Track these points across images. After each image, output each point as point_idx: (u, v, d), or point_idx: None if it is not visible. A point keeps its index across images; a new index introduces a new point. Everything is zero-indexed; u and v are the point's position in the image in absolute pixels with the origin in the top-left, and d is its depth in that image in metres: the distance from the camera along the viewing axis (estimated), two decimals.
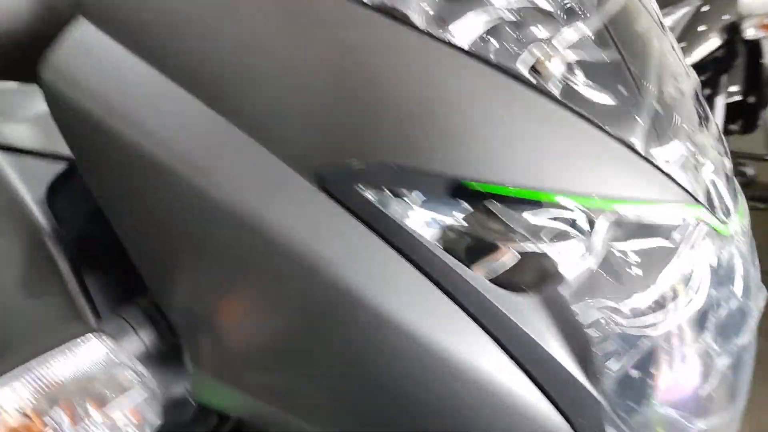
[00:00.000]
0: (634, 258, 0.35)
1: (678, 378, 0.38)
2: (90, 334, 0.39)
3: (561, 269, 0.33)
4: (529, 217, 0.33)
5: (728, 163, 0.45)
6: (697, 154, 0.40)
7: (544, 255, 0.33)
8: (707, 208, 0.38)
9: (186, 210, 0.35)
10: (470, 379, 0.33)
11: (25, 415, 0.35)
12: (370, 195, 0.33)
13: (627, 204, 0.35)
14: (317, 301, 0.34)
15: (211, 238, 0.36)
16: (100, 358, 0.38)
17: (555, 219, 0.34)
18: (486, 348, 0.33)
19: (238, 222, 0.34)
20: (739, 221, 0.42)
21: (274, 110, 0.34)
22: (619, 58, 0.38)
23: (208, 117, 0.34)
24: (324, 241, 0.33)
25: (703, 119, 0.45)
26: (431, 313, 0.33)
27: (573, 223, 0.34)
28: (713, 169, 0.41)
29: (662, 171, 0.36)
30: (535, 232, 0.34)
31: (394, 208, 0.33)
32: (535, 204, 0.34)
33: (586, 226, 0.34)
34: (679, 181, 0.37)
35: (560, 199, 0.34)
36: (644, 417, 0.37)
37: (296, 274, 0.34)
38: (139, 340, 0.41)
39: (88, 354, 0.38)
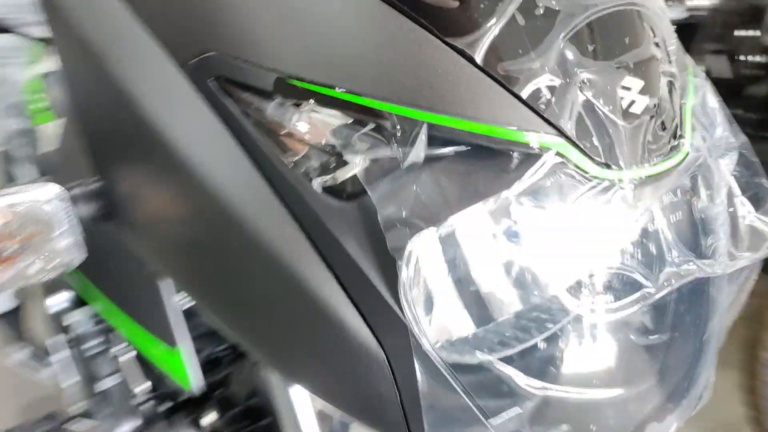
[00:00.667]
0: (457, 177, 0.34)
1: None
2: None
3: (368, 180, 0.34)
4: (343, 120, 0.35)
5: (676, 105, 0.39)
6: (586, 89, 0.35)
7: (356, 164, 0.34)
8: (579, 147, 0.34)
9: (99, 88, 0.42)
10: (286, 279, 0.36)
11: None
12: (212, 84, 0.37)
13: (455, 120, 0.33)
14: (166, 172, 0.40)
15: (116, 116, 0.41)
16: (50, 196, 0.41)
17: (375, 128, 0.34)
18: (302, 249, 0.35)
19: (127, 98, 0.39)
20: (645, 171, 0.36)
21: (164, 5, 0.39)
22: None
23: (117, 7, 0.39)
24: (174, 118, 0.38)
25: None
26: (253, 198, 0.36)
27: (394, 135, 0.34)
28: (617, 107, 0.35)
29: (523, 102, 0.34)
30: (348, 137, 0.34)
31: (236, 96, 0.37)
32: (359, 110, 0.34)
33: (405, 139, 0.34)
34: (544, 115, 0.34)
35: (382, 110, 0.34)
36: (459, 354, 0.35)
37: (154, 147, 0.39)
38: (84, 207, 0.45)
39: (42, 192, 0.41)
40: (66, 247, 0.42)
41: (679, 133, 0.38)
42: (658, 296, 0.36)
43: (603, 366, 0.38)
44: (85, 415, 0.82)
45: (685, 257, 0.37)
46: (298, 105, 0.35)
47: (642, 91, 0.35)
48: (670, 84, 0.38)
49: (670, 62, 0.38)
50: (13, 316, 1.13)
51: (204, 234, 0.40)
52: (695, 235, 0.40)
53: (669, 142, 0.37)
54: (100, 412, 0.78)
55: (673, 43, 0.40)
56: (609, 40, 0.37)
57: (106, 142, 0.44)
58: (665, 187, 0.37)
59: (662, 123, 0.36)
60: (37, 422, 0.93)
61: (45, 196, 0.41)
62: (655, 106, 0.36)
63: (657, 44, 0.38)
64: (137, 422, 0.73)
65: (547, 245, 0.34)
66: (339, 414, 0.50)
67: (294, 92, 0.35)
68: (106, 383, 0.76)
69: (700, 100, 0.40)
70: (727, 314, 0.44)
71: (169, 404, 0.73)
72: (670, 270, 0.36)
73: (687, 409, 0.42)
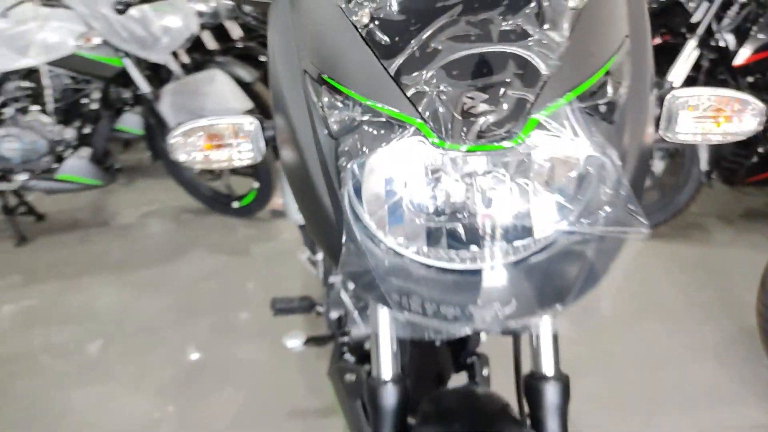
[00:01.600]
0: (374, 131, 0.59)
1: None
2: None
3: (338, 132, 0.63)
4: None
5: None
6: (445, 95, 0.55)
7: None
8: (430, 126, 0.55)
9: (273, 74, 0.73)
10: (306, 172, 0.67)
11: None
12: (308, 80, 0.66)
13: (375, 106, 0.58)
14: (284, 122, 0.69)
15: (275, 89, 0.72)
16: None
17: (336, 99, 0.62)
18: (316, 163, 0.66)
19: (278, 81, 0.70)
20: (487, 150, 0.55)
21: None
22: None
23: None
24: (292, 97, 0.68)
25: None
26: (307, 140, 0.66)
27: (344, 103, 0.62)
28: (465, 107, 0.55)
29: (407, 94, 0.56)
30: (332, 106, 0.62)
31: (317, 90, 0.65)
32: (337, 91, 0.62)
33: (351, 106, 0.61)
34: (414, 102, 0.56)
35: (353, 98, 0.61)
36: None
37: (283, 112, 0.69)
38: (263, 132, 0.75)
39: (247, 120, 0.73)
40: (251, 149, 0.73)
41: (513, 132, 0.54)
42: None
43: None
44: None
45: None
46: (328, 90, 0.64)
47: (483, 101, 0.54)
48: (519, 101, 0.54)
49: (526, 88, 0.55)
50: None
51: (290, 155, 0.69)
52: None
53: (501, 136, 0.54)
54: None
55: (545, 77, 0.56)
56: (469, 68, 0.56)
57: (273, 102, 0.73)
58: (485, 159, 0.56)
59: (497, 123, 0.54)
60: (298, 299, 1.62)
61: (248, 121, 0.72)
62: (490, 111, 0.54)
63: (517, 74, 0.55)
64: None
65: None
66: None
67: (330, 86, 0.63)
68: None
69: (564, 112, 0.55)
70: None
71: None
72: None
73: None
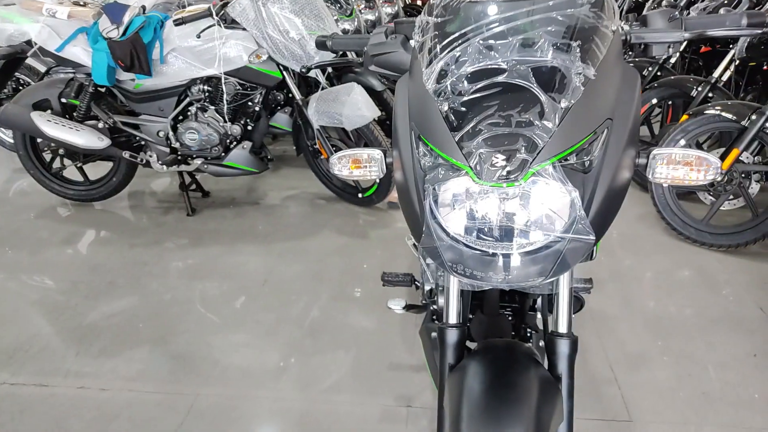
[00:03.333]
0: (444, 170, 0.94)
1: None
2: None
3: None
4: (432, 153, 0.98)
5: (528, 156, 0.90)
6: (488, 153, 0.89)
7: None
8: (473, 171, 0.89)
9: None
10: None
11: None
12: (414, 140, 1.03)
13: (446, 157, 0.94)
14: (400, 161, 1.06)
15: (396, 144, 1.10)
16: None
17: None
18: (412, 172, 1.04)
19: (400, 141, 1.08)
20: (503, 186, 0.90)
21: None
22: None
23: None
24: (404, 150, 1.05)
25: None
26: (410, 172, 1.04)
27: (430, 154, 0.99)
28: (495, 162, 0.89)
29: (462, 152, 0.91)
30: (424, 153, 1.00)
31: (416, 143, 1.02)
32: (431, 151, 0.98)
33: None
34: (466, 157, 0.90)
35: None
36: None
37: (401, 155, 1.07)
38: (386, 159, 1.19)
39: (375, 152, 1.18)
40: (377, 169, 1.17)
41: (518, 177, 0.87)
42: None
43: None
44: None
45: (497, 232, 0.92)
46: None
47: (503, 159, 0.87)
48: (522, 161, 0.87)
49: (528, 154, 0.88)
50: None
51: (400, 176, 1.04)
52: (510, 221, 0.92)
53: (511, 180, 0.88)
54: None
55: (539, 148, 0.89)
56: (497, 142, 0.89)
57: (393, 140, 1.10)
58: (501, 192, 0.90)
59: (510, 172, 0.87)
60: (402, 274, 2.02)
61: (377, 153, 1.16)
62: (506, 165, 0.87)
63: (524, 145, 0.88)
64: None
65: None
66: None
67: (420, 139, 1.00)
68: None
69: (550, 168, 0.90)
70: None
71: None
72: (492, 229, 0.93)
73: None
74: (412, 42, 1.17)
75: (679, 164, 1.01)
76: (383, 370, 2.14)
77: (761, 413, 1.90)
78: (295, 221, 3.42)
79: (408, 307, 1.84)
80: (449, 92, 0.97)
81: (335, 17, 3.60)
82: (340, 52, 3.15)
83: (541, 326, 1.46)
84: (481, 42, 0.98)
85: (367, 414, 1.93)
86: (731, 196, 2.92)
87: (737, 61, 3.14)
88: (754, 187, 2.83)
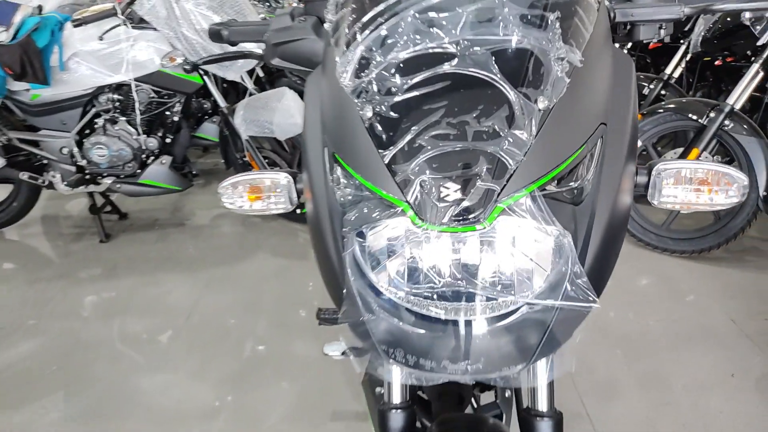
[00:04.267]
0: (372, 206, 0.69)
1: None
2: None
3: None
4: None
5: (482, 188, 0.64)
6: (433, 185, 0.64)
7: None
8: (413, 209, 0.65)
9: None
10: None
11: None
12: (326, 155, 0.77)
13: (373, 188, 0.67)
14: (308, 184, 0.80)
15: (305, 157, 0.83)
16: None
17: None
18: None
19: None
20: (452, 231, 0.64)
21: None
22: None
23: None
24: (314, 168, 0.78)
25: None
26: (322, 198, 0.77)
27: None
28: (443, 196, 0.64)
29: (396, 180, 0.66)
30: (344, 177, 0.73)
31: (331, 164, 0.76)
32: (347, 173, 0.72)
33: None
34: (402, 187, 0.65)
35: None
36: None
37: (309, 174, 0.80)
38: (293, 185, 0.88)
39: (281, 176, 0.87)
40: (284, 200, 0.86)
41: (480, 217, 0.62)
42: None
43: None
44: None
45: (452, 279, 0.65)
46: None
47: (456, 190, 0.62)
48: (486, 192, 0.62)
49: (494, 180, 0.63)
50: None
51: (310, 208, 0.80)
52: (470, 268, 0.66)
53: (470, 221, 0.62)
54: None
55: (510, 171, 0.64)
56: (446, 162, 0.63)
57: (303, 159, 0.84)
58: (456, 238, 0.64)
59: (467, 209, 0.62)
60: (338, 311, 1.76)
61: (283, 177, 0.85)
62: (461, 200, 0.62)
63: (488, 168, 0.63)
64: None
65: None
66: None
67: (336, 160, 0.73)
68: None
69: (527, 201, 0.65)
70: None
71: None
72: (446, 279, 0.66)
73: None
74: (326, 25, 0.87)
75: (692, 183, 0.76)
76: (326, 416, 1.88)
77: None
78: (225, 243, 3.10)
79: (348, 351, 1.56)
80: (374, 91, 0.68)
81: (262, 15, 3.27)
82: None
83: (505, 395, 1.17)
84: (417, 15, 0.70)
85: None
86: None
87: (689, 56, 3.01)
88: None
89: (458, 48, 0.67)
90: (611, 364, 2.06)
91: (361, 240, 0.69)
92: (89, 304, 2.57)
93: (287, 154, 3.08)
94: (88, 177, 2.93)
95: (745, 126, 2.51)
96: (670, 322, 2.28)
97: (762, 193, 2.46)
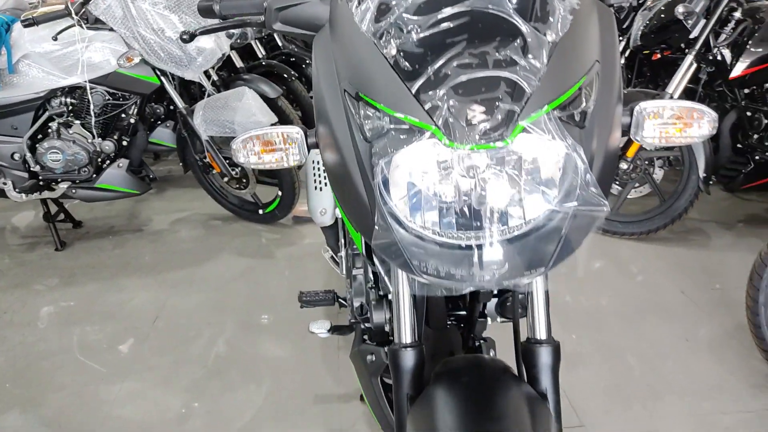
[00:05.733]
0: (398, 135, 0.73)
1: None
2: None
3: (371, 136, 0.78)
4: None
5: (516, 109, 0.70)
6: (454, 107, 0.69)
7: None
8: (442, 130, 0.69)
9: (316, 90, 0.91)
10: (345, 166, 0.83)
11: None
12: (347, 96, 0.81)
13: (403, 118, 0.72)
14: (327, 132, 0.85)
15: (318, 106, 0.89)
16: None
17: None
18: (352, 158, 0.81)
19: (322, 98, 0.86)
20: (480, 149, 0.69)
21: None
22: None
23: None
24: (333, 110, 0.83)
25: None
26: (345, 140, 0.81)
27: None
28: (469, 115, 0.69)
29: (424, 107, 0.71)
30: (367, 117, 0.77)
31: (354, 105, 0.80)
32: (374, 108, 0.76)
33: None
34: (430, 113, 0.70)
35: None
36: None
37: (327, 123, 0.84)
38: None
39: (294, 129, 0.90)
40: (298, 152, 0.89)
41: (504, 135, 0.68)
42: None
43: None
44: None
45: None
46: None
47: (481, 112, 0.68)
48: (508, 113, 0.68)
49: (514, 102, 0.69)
50: (334, 230, 1.69)
51: (332, 156, 0.84)
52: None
53: (495, 138, 0.68)
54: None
55: (528, 94, 0.70)
56: (471, 88, 0.69)
57: (317, 115, 0.88)
58: (485, 156, 0.69)
59: (492, 128, 0.68)
60: (322, 291, 1.78)
61: (295, 131, 0.88)
62: (487, 120, 0.68)
63: (507, 92, 0.69)
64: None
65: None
66: None
67: (365, 102, 0.77)
68: None
69: (544, 120, 0.70)
70: None
71: None
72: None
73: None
74: None
75: (670, 119, 0.84)
76: (307, 403, 1.89)
77: (708, 399, 1.84)
78: (187, 247, 3.05)
79: (334, 329, 1.58)
80: (398, 30, 0.74)
81: None
82: (227, 54, 2.84)
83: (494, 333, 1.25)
84: None
85: None
86: (637, 184, 2.94)
87: (627, 53, 3.20)
88: (658, 173, 2.86)
89: None
90: (572, 338, 2.16)
91: (388, 168, 0.73)
92: (49, 313, 2.48)
93: None
94: (42, 183, 2.84)
95: None
96: (626, 299, 2.41)
97: (701, 174, 2.64)
